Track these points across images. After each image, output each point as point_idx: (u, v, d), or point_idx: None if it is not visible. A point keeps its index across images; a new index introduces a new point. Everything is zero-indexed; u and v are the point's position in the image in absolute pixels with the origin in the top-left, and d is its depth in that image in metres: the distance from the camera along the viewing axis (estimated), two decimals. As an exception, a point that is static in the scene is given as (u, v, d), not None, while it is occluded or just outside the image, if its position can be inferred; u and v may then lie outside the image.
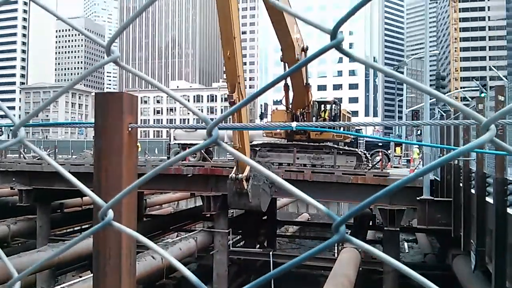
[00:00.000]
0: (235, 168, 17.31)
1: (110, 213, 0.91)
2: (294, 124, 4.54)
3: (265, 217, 26.63)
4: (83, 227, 28.18)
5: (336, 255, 20.57)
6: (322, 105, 25.31)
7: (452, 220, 13.35)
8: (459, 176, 12.98)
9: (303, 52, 26.00)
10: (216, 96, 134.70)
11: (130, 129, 2.63)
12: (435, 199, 15.01)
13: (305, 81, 24.97)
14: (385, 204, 16.41)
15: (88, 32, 1.30)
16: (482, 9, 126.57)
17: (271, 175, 0.93)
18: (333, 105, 25.09)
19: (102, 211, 0.89)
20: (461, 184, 12.65)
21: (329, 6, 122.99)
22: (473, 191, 11.11)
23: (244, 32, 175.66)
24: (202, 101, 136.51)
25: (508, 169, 8.85)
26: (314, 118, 24.61)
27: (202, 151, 24.59)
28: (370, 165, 23.10)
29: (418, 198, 14.94)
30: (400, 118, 56.80)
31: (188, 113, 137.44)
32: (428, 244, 25.31)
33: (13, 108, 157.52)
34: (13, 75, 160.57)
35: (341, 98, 53.56)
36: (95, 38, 1.11)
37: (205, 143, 0.92)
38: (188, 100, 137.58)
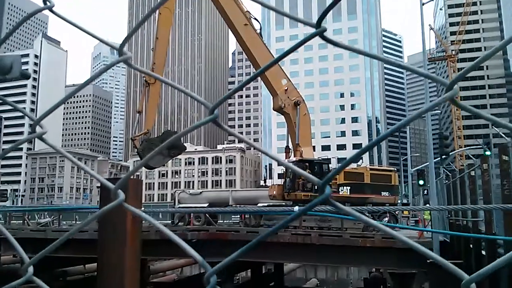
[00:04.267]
0: None
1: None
2: (296, 208, 4.56)
3: (272, 284, 25.89)
4: (85, 295, 27.39)
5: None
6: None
7: (465, 283, 12.93)
8: (469, 237, 12.73)
9: (297, 107, 25.26)
10: (221, 157, 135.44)
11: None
12: (446, 261, 14.60)
13: (296, 141, 25.31)
14: (394, 268, 15.99)
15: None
16: (480, 68, 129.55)
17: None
18: (304, 165, 23.94)
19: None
20: (470, 245, 12.38)
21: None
22: (483, 252, 10.86)
23: (248, 96, 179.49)
24: (207, 163, 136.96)
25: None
26: (289, 178, 24.22)
27: (207, 214, 24.29)
28: (378, 227, 22.59)
29: (428, 261, 14.56)
30: (405, 177, 56.72)
31: (193, 176, 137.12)
32: (442, 308, 24.34)
33: (19, 173, 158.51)
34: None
35: (345, 158, 53.58)
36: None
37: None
38: (193, 163, 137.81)
